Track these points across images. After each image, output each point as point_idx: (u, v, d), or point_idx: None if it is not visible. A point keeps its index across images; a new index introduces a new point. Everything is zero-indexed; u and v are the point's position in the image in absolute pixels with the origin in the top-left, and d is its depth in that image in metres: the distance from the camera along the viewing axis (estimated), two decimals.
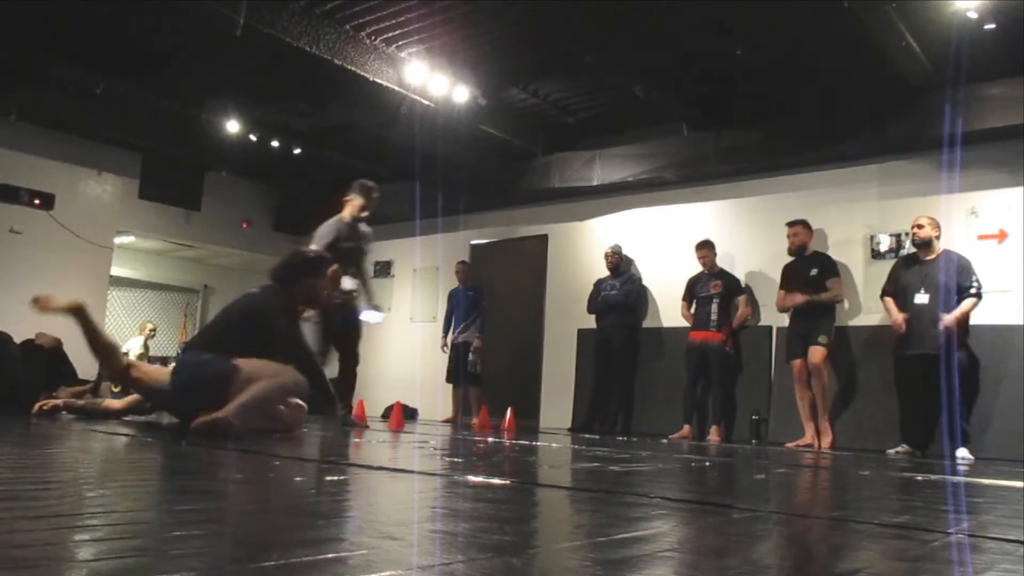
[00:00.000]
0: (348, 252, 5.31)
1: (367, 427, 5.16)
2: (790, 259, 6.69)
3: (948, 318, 5.52)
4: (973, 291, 5.57)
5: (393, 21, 6.26)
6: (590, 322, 7.89)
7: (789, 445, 6.31)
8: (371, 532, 1.20)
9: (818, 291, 6.44)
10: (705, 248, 7.17)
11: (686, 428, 6.96)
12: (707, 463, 3.68)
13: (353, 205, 5.54)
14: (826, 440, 6.20)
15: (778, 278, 6.78)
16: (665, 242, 7.92)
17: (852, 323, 6.67)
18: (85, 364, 7.15)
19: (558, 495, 2.07)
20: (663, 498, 1.84)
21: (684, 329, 7.26)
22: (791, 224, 6.66)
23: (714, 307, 7.00)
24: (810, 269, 6.52)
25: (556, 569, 1.01)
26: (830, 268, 6.54)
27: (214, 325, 4.01)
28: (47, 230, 8.77)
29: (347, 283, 5.16)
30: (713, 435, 6.83)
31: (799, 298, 6.37)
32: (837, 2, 5.10)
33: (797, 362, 6.39)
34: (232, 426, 3.28)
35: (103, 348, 3.80)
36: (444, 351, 8.61)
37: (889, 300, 5.92)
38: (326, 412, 4.89)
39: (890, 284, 5.98)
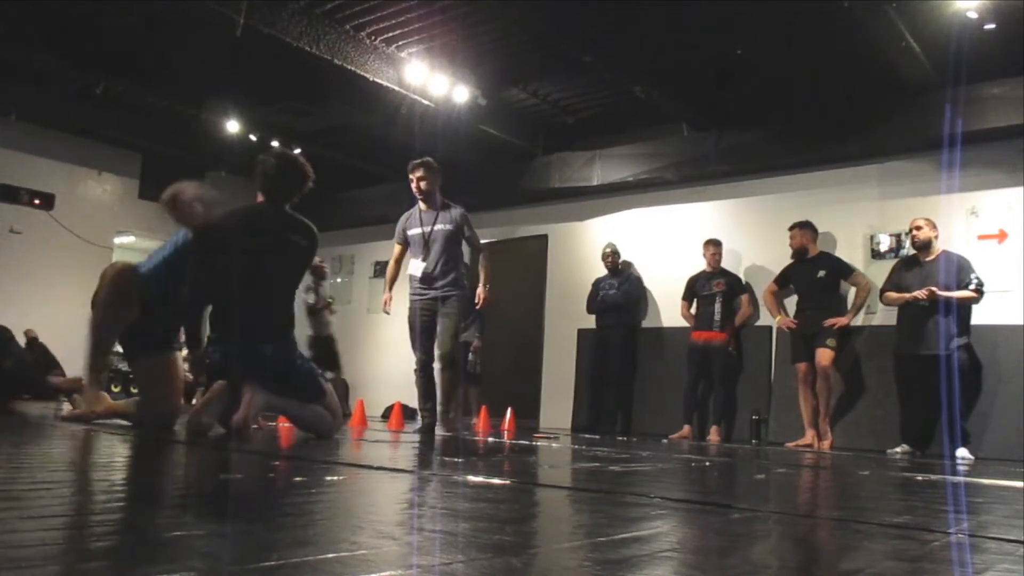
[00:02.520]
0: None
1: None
2: (791, 259, 6.69)
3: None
4: (972, 287, 5.58)
5: (393, 21, 6.26)
6: (590, 322, 7.88)
7: (789, 445, 6.31)
8: (371, 532, 1.20)
9: (828, 292, 6.45)
10: (713, 246, 7.15)
11: (686, 428, 6.95)
12: (707, 463, 3.68)
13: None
14: (825, 442, 6.20)
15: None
16: (665, 242, 7.91)
17: (852, 323, 6.66)
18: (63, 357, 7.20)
19: (558, 495, 2.07)
20: (663, 498, 1.84)
21: (684, 329, 7.26)
22: (791, 227, 6.66)
23: (717, 306, 6.99)
24: (817, 271, 6.50)
25: (556, 569, 1.01)
26: (842, 268, 6.53)
27: None
28: (47, 230, 8.78)
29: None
30: (713, 435, 6.83)
31: (843, 322, 6.30)
32: (837, 2, 5.10)
33: (802, 365, 6.37)
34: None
35: None
36: None
37: (893, 292, 5.90)
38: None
39: (891, 284, 5.97)
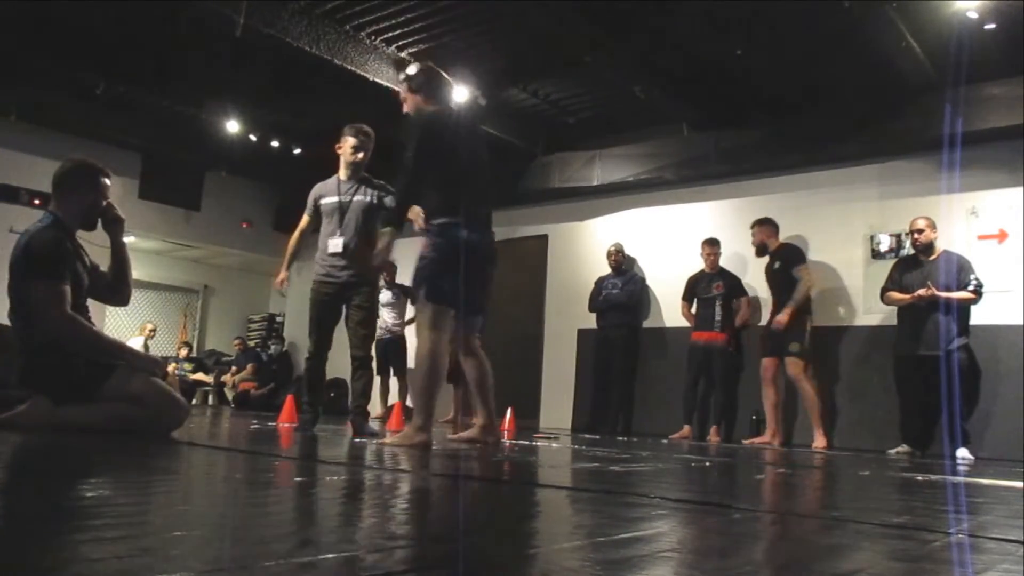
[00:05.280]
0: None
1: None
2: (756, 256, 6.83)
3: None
4: (971, 288, 5.58)
5: (393, 21, 6.25)
6: (590, 322, 7.88)
7: (745, 442, 6.41)
8: (372, 532, 1.20)
9: (783, 284, 6.41)
10: (712, 246, 7.16)
11: (686, 428, 6.96)
12: (707, 463, 3.68)
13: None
14: (820, 443, 6.18)
15: None
16: (665, 242, 7.92)
17: (852, 323, 6.67)
18: None
19: (558, 495, 2.07)
20: (663, 498, 1.84)
21: (685, 329, 7.26)
22: (751, 224, 6.75)
23: (717, 307, 7.00)
24: (773, 264, 6.56)
25: (556, 569, 1.01)
26: (792, 256, 6.49)
27: None
28: None
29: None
30: (713, 435, 6.84)
31: (783, 319, 6.26)
32: (837, 2, 5.10)
33: (765, 360, 6.42)
34: None
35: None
36: None
37: (896, 292, 5.89)
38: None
39: (891, 283, 5.97)
